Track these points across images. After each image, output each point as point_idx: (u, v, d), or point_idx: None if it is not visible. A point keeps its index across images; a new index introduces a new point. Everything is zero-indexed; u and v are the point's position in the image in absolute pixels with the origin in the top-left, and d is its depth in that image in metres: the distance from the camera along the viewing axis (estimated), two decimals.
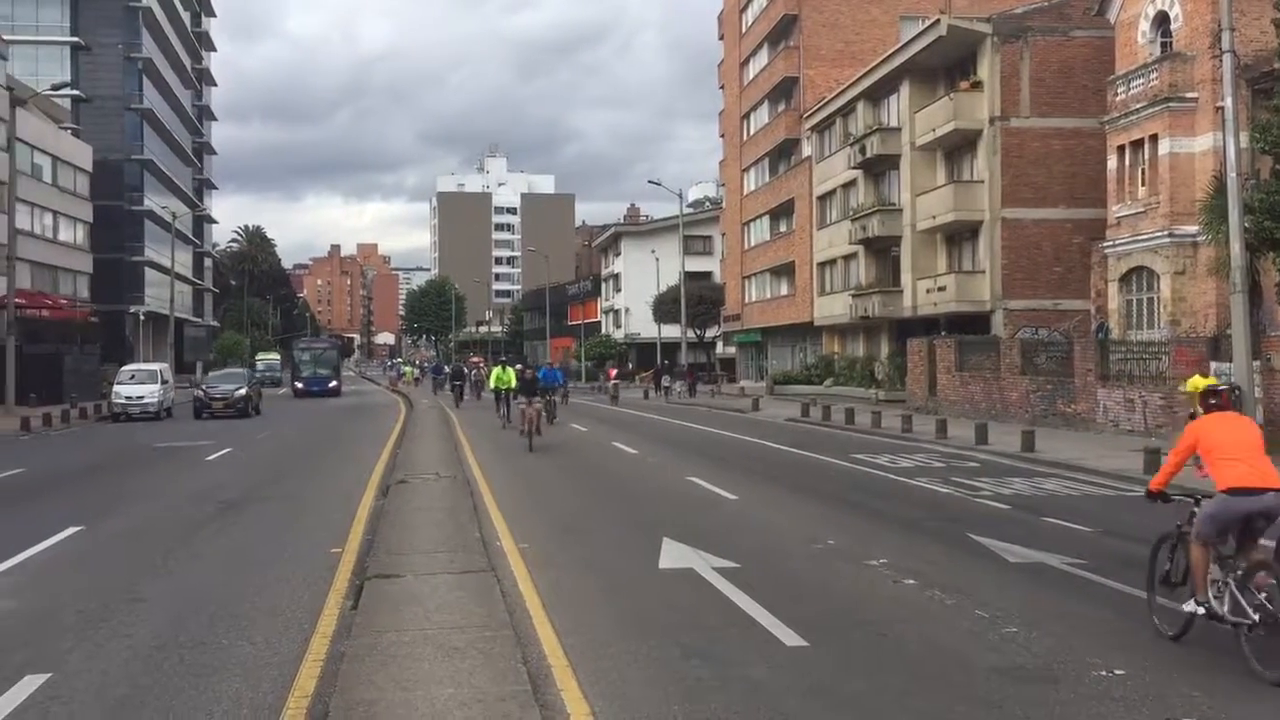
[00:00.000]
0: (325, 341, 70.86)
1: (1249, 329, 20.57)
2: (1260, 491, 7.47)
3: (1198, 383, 16.68)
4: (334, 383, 60.33)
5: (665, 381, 56.33)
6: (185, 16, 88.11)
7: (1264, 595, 7.17)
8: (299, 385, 59.53)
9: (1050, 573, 10.62)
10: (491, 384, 34.04)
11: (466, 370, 56.87)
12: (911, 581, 10.16)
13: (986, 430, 25.12)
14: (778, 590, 9.71)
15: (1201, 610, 7.65)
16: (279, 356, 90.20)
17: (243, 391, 39.48)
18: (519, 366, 33.10)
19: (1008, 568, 10.92)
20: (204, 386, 41.48)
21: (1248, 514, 7.58)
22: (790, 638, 8.16)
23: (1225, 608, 7.44)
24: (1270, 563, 7.41)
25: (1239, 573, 7.43)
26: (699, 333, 72.29)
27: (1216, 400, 8.22)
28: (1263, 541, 7.79)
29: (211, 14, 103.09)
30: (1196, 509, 7.98)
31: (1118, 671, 7.35)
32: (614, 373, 61.44)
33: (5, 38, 55.97)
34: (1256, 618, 7.16)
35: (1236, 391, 20.52)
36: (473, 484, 17.67)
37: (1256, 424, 8.61)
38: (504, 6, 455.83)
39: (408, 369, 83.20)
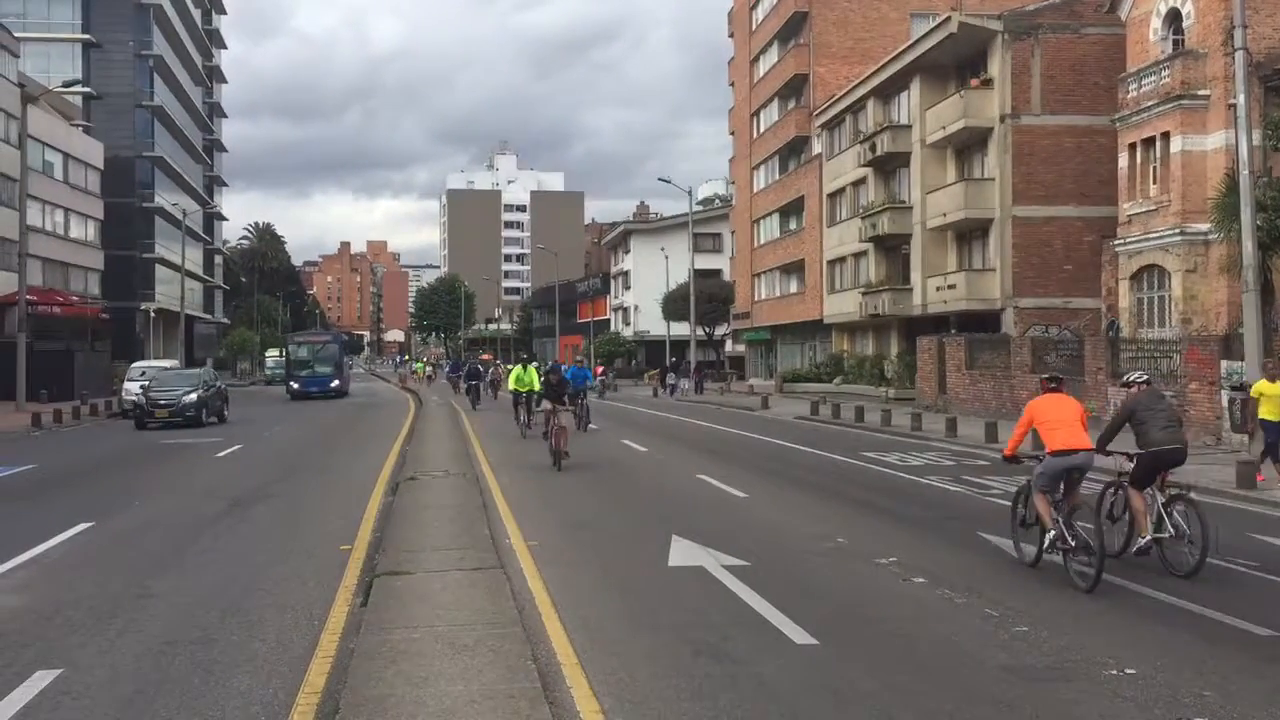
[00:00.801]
0: (325, 335, 63.31)
1: (1261, 327, 20.50)
2: (1075, 451, 10.20)
3: (1262, 387, 17.06)
4: (336, 382, 53.60)
5: (670, 379, 56.22)
6: (196, 14, 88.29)
7: (1080, 528, 9.88)
8: (294, 385, 52.77)
9: (1061, 571, 10.57)
10: (510, 385, 29.33)
11: (483, 369, 51.18)
12: (921, 580, 10.14)
13: (997, 429, 25.05)
14: (787, 588, 9.70)
15: (1046, 541, 10.27)
16: (279, 353, 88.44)
17: (193, 397, 32.18)
18: (546, 365, 29.16)
19: (1018, 566, 10.88)
20: (144, 390, 33.69)
21: (1067, 468, 10.27)
22: (800, 636, 8.15)
23: (1068, 539, 9.89)
24: (1083, 504, 10.28)
25: (1065, 514, 10.05)
26: (708, 331, 72.24)
27: (1054, 385, 11.09)
28: (1084, 492, 10.65)
29: (222, 11, 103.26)
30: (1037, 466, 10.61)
31: (1129, 671, 7.32)
32: (600, 370, 61.03)
33: (17, 35, 56.17)
34: (1074, 544, 9.85)
35: (1248, 390, 20.47)
36: (482, 481, 17.70)
37: (1076, 401, 11.22)
38: (515, 4, 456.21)
39: (419, 365, 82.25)
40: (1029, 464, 10.95)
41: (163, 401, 31.99)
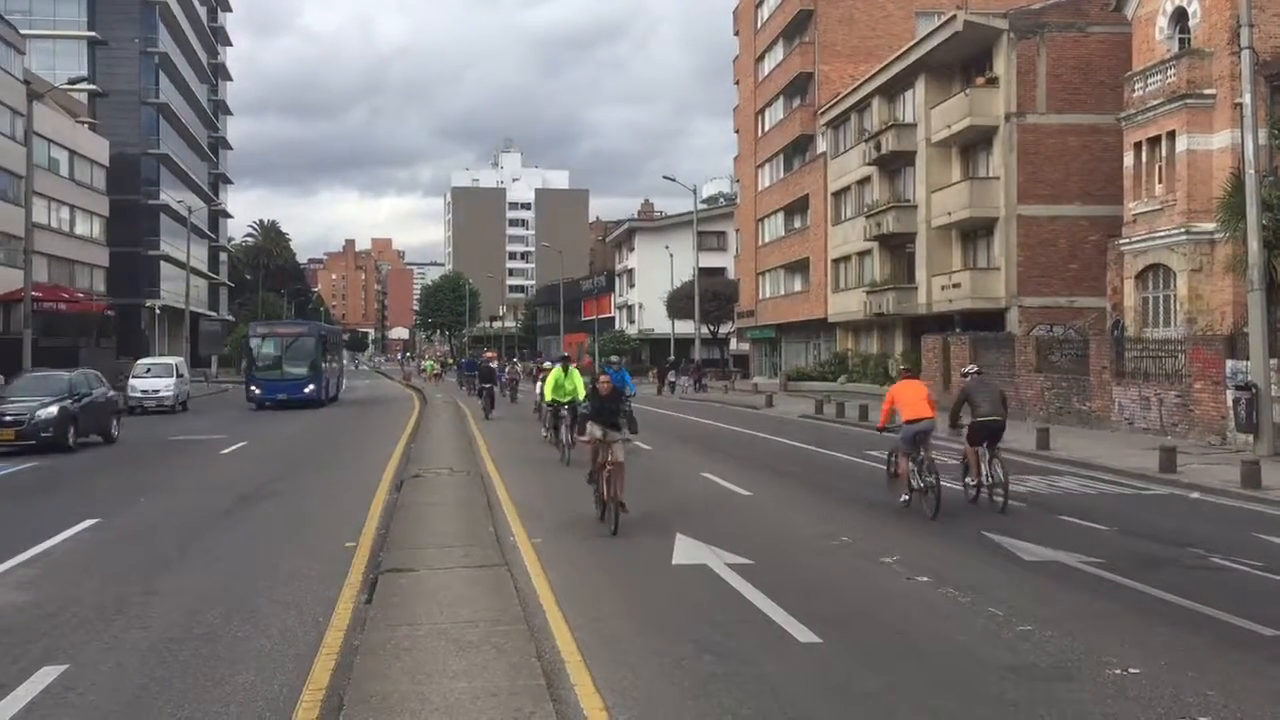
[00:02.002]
0: (298, 324, 50.02)
1: (1266, 327, 20.48)
2: (921, 419, 14.21)
3: None
4: (311, 387, 40.44)
5: (671, 377, 56.14)
6: (202, 11, 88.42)
7: (932, 478, 13.85)
8: (255, 391, 40.53)
9: (1065, 571, 10.59)
10: (548, 395, 22.17)
11: (497, 369, 42.46)
12: (925, 579, 10.14)
13: None
14: (791, 587, 9.70)
15: (910, 491, 14.23)
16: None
17: (51, 411, 23.53)
18: (590, 368, 24.66)
19: (1022, 566, 10.88)
20: None
21: (917, 432, 14.18)
22: (803, 634, 8.16)
23: (917, 483, 14.03)
24: (925, 460, 14.14)
25: (921, 465, 14.11)
26: (713, 329, 72.23)
27: (909, 373, 16.00)
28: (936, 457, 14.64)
29: (228, 9, 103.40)
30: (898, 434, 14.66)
31: (1133, 670, 7.32)
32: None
33: (23, 32, 56.25)
34: (923, 485, 13.95)
35: (1253, 389, 20.47)
36: (486, 479, 17.70)
37: (924, 384, 15.54)
38: (521, 2, 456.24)
39: (428, 364, 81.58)
40: (892, 433, 14.95)
41: (9, 418, 23.13)
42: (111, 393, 28.09)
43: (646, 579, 10.29)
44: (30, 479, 19.07)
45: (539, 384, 25.37)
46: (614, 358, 24.40)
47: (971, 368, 16.55)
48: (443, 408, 39.50)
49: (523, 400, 40.50)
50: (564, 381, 21.71)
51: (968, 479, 15.06)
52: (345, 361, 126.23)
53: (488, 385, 35.30)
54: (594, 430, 13.48)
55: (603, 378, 13.78)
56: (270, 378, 40.64)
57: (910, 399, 14.44)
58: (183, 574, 10.60)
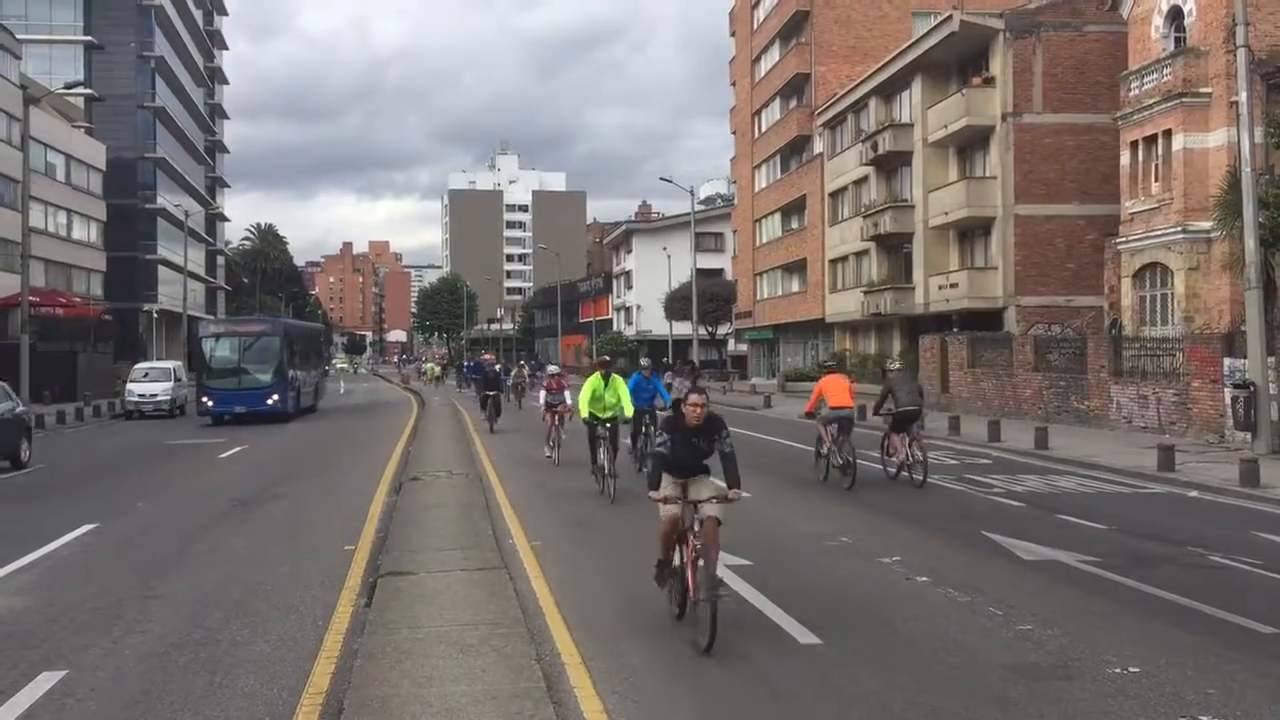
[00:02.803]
0: (258, 322, 41.52)
1: (1264, 325, 20.49)
2: (843, 408, 17.07)
3: None
4: (275, 396, 34.37)
5: (668, 379, 56.00)
6: (198, 15, 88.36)
7: (850, 457, 16.70)
8: (207, 402, 34.22)
9: (1064, 570, 10.59)
10: (583, 409, 17.03)
11: (504, 374, 38.79)
12: (925, 579, 10.14)
13: (999, 427, 25.06)
14: (790, 587, 9.70)
15: (834, 466, 17.17)
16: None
17: None
18: (647, 371, 19.74)
19: (1022, 565, 10.88)
20: None
21: (838, 418, 17.05)
22: (803, 635, 8.16)
23: (837, 461, 17.01)
24: (845, 443, 16.89)
25: (840, 446, 16.91)
26: (711, 330, 72.24)
27: (833, 368, 19.91)
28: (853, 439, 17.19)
29: (224, 12, 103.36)
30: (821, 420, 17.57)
31: (1133, 669, 7.32)
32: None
33: (19, 37, 56.21)
34: (842, 462, 16.88)
35: (1251, 387, 20.48)
36: (485, 481, 17.70)
37: (848, 379, 18.40)
38: (518, 5, 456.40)
39: (429, 366, 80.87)
40: (819, 419, 17.64)
41: None
42: (20, 408, 22.96)
43: (646, 581, 10.27)
44: (29, 484, 19.05)
45: (542, 393, 22.67)
46: (644, 361, 20.74)
47: (895, 364, 19.15)
48: (441, 416, 39.45)
49: (529, 406, 36.64)
50: (603, 393, 16.82)
51: (890, 459, 17.67)
52: (343, 364, 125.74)
53: (492, 393, 30.11)
54: (670, 489, 8.40)
55: (693, 399, 8.42)
56: (225, 386, 34.21)
57: (835, 390, 17.37)
58: (181, 578, 10.59)
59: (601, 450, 16.31)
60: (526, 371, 47.26)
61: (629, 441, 18.56)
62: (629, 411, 16.88)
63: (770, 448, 24.71)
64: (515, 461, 21.17)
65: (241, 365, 34.66)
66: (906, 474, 17.13)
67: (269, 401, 34.06)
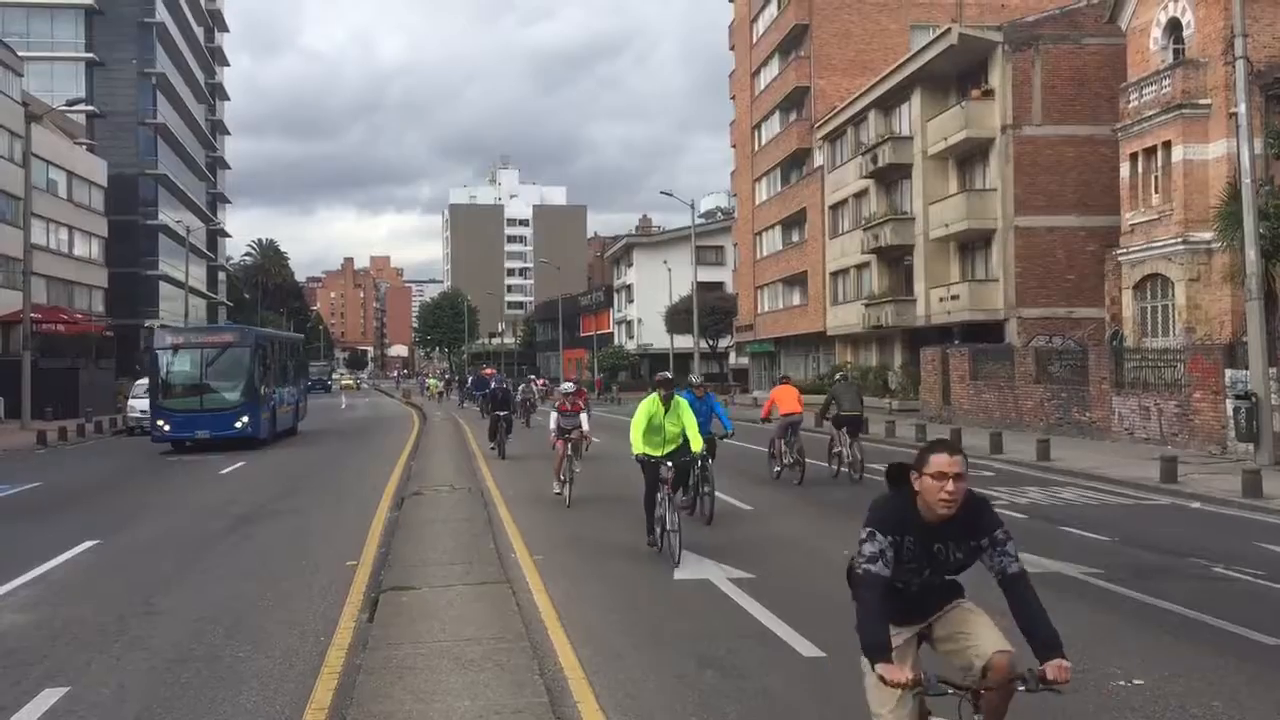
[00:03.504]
0: (224, 331, 36.18)
1: (1265, 336, 20.48)
2: (793, 414, 19.25)
3: None
4: (245, 418, 29.54)
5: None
6: (199, 32, 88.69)
7: (798, 456, 19.08)
8: (162, 425, 29.47)
9: (1067, 582, 10.56)
10: (636, 444, 12.86)
11: (514, 391, 34.28)
12: None
13: (1001, 439, 25.04)
14: (793, 601, 9.68)
15: (782, 465, 19.54)
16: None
17: None
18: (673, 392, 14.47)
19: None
20: None
21: (789, 424, 19.32)
22: (807, 648, 8.14)
23: (788, 460, 19.28)
24: (794, 443, 19.27)
25: (792, 446, 19.29)
26: (711, 343, 72.27)
27: (788, 379, 21.68)
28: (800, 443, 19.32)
29: (225, 29, 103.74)
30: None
31: (1137, 681, 7.30)
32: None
33: (21, 54, 56.41)
34: (792, 460, 19.15)
35: (1252, 399, 20.47)
36: (486, 495, 17.69)
37: (797, 390, 20.65)
38: (520, 20, 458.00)
39: (432, 381, 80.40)
40: (775, 423, 19.89)
41: None
42: None
43: (648, 594, 10.27)
44: (31, 500, 19.03)
45: (553, 415, 18.25)
46: (694, 378, 17.62)
47: (840, 377, 22.85)
48: (442, 436, 39.39)
49: (537, 421, 35.58)
50: (663, 421, 12.72)
51: (834, 460, 20.04)
52: (348, 380, 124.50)
53: (504, 414, 26.06)
54: (909, 660, 5.13)
55: (937, 461, 4.75)
56: (184, 407, 29.30)
57: (786, 398, 19.64)
58: (183, 594, 10.58)
59: (662, 500, 12.27)
60: (535, 389, 44.49)
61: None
62: (698, 445, 12.77)
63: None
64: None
65: (204, 382, 29.68)
66: (847, 470, 19.52)
67: (237, 424, 29.32)
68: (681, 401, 12.93)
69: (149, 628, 9.15)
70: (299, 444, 30.63)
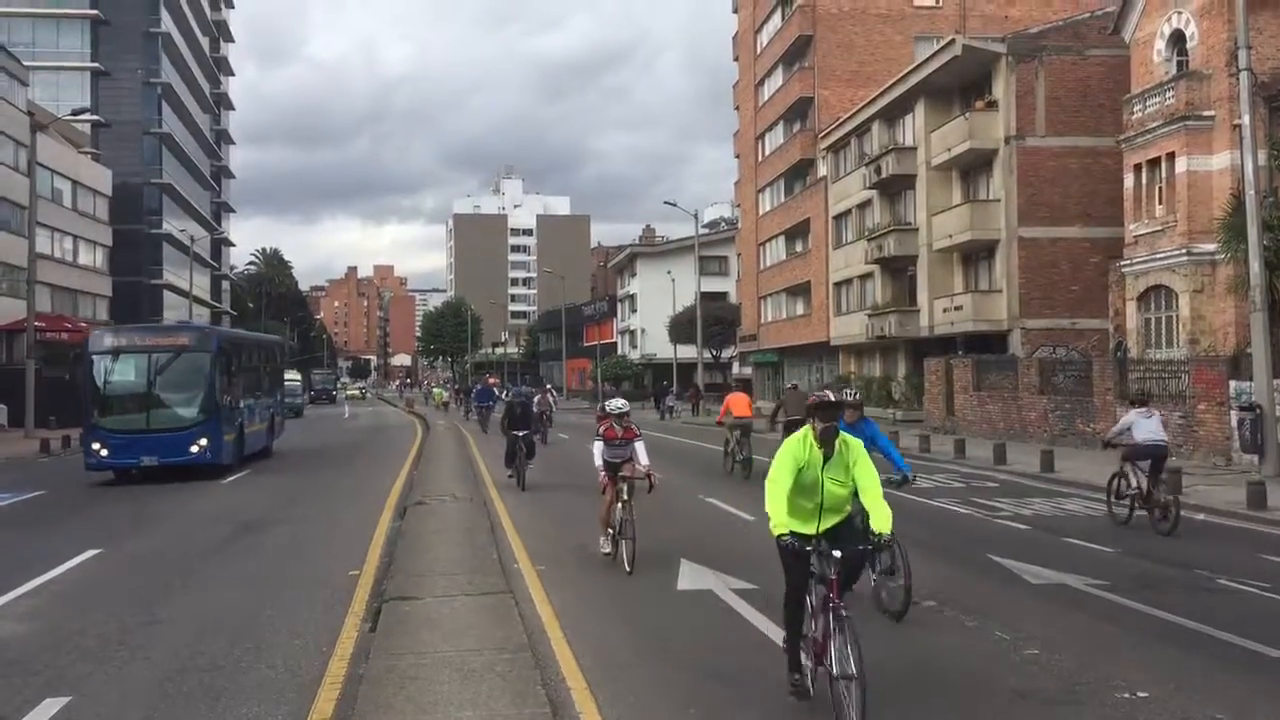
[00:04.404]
0: (175, 331, 27.24)
1: (1269, 347, 20.46)
2: (744, 418, 22.34)
3: None
4: (204, 440, 23.80)
5: (669, 401, 56.10)
6: (204, 42, 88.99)
7: (748, 454, 21.77)
8: (99, 449, 23.43)
9: (1071, 594, 10.54)
10: (779, 512, 7.19)
11: (532, 402, 26.00)
12: (931, 603, 10.09)
13: (1005, 450, 25.01)
14: None
15: (737, 461, 21.69)
16: (300, 378, 73.26)
17: None
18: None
19: (1028, 589, 10.83)
20: None
21: (741, 426, 22.02)
22: (809, 660, 8.10)
23: (740, 457, 21.97)
24: (745, 444, 22.11)
25: (741, 446, 21.84)
26: (715, 353, 72.26)
27: (742, 387, 35.27)
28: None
29: (230, 40, 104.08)
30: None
31: (1141, 694, 7.27)
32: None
33: (26, 64, 56.61)
34: (743, 459, 21.62)
35: (1257, 410, 20.44)
36: (489, 505, 17.68)
37: (748, 396, 23.99)
38: (525, 29, 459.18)
39: (437, 391, 79.38)
40: (728, 424, 22.36)
41: None
42: None
43: (651, 605, 10.25)
44: (33, 509, 19.04)
45: (598, 445, 12.66)
46: (849, 392, 13.60)
47: (791, 384, 27.26)
48: (446, 455, 39.28)
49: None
50: (820, 475, 7.31)
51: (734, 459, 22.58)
52: (353, 390, 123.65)
53: (521, 432, 21.43)
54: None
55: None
56: (126, 427, 23.43)
57: (738, 404, 22.57)
58: (186, 604, 10.57)
59: (813, 601, 7.27)
60: (552, 400, 39.26)
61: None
62: (884, 522, 7.04)
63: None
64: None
65: (152, 395, 23.73)
66: None
67: (192, 448, 23.47)
68: (853, 443, 7.30)
69: (151, 637, 9.14)
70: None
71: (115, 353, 24.13)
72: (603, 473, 12.37)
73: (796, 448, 7.22)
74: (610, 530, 12.39)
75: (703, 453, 29.85)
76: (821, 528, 7.31)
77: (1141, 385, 26.78)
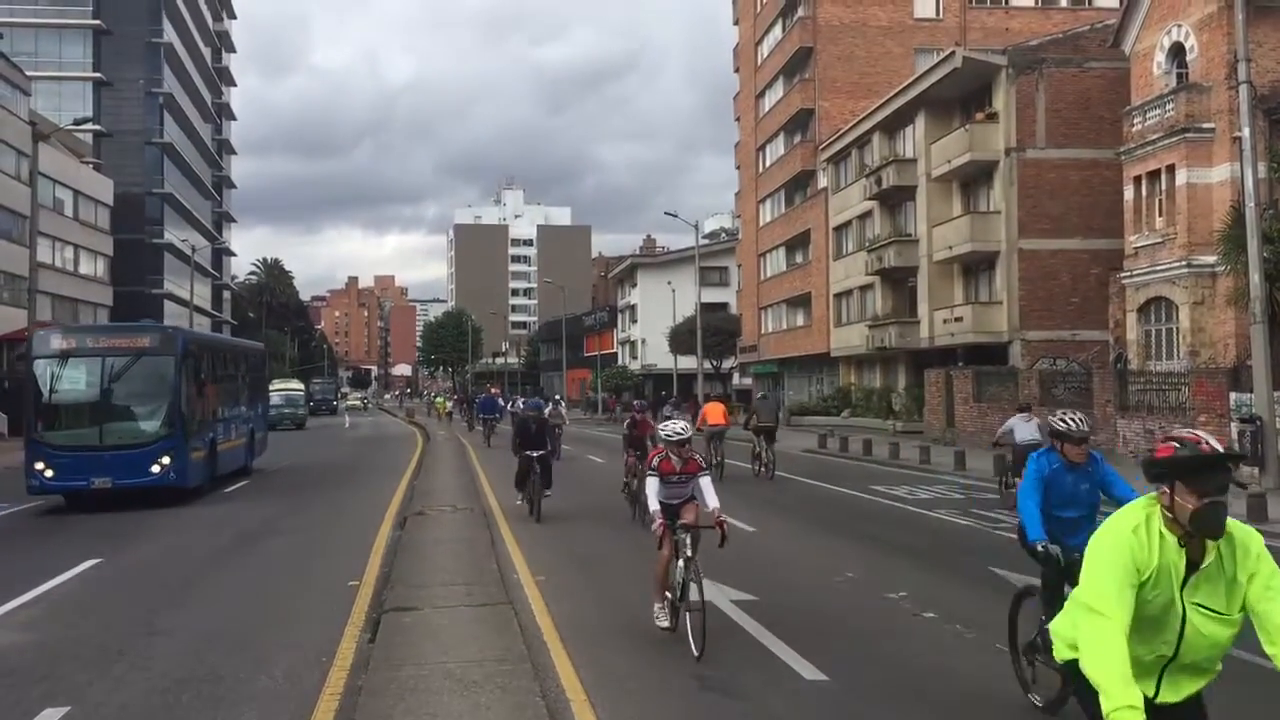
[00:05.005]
0: (137, 332, 22.14)
1: (1269, 359, 20.46)
2: (718, 425, 24.16)
3: None
4: (167, 458, 20.16)
5: (666, 412, 56.03)
6: (206, 52, 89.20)
7: (721, 458, 23.66)
8: (42, 469, 19.76)
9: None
10: (1114, 677, 3.44)
11: (547, 414, 23.87)
12: (932, 614, 10.08)
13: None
14: (797, 623, 9.64)
15: (710, 466, 13.78)
16: (302, 388, 69.57)
17: None
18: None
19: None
20: None
21: (715, 433, 24.01)
22: (809, 671, 8.10)
23: (714, 460, 22.63)
24: (718, 448, 24.03)
25: (714, 450, 23.43)
26: (715, 364, 72.25)
27: (720, 398, 31.60)
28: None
29: (232, 50, 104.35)
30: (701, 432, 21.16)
31: None
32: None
33: (29, 74, 56.74)
34: (717, 461, 23.09)
35: (1257, 422, 20.43)
36: (489, 515, 17.66)
37: (723, 405, 26.39)
38: (529, 41, 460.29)
39: (439, 400, 78.31)
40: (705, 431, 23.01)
41: None
42: None
43: (651, 616, 10.22)
44: (33, 518, 19.02)
45: (653, 485, 9.65)
46: (1069, 417, 7.54)
47: (761, 394, 28.54)
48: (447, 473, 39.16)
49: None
50: (1178, 597, 3.80)
51: (755, 461, 24.77)
52: (354, 401, 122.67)
53: (538, 452, 17.80)
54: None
55: None
56: (75, 443, 20.11)
57: (714, 413, 24.63)
58: (185, 613, 10.56)
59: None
60: (564, 413, 34.06)
61: None
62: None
63: (774, 482, 24.61)
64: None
65: (106, 406, 20.43)
66: (764, 470, 24.17)
67: (153, 468, 20.03)
68: (1249, 541, 3.90)
69: (150, 647, 9.13)
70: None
71: (64, 356, 20.61)
72: (659, 520, 9.26)
73: (1131, 543, 3.78)
74: (668, 596, 9.42)
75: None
76: (1165, 697, 4.00)
77: (1141, 397, 26.82)
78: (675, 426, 9.80)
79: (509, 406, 50.58)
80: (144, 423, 20.52)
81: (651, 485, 9.54)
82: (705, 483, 9.61)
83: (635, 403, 21.53)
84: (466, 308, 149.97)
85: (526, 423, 18.72)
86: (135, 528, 17.27)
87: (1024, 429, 17.96)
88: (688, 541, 9.27)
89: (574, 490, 21.32)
